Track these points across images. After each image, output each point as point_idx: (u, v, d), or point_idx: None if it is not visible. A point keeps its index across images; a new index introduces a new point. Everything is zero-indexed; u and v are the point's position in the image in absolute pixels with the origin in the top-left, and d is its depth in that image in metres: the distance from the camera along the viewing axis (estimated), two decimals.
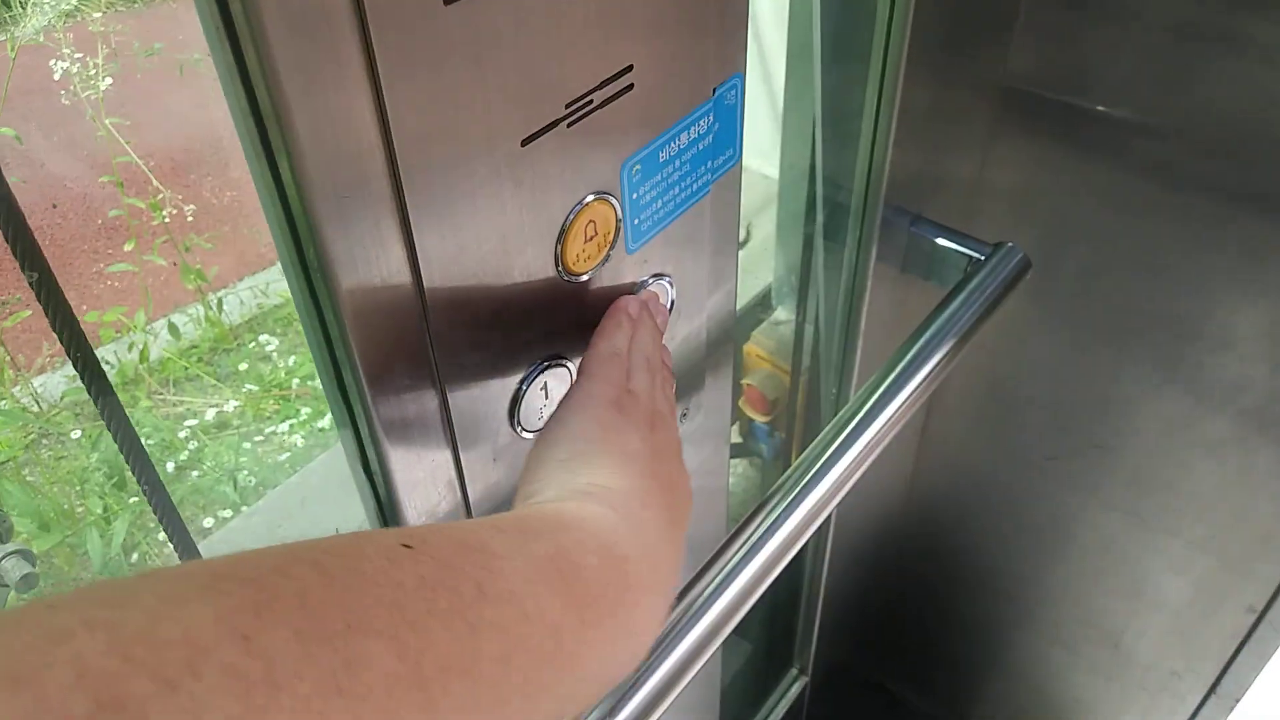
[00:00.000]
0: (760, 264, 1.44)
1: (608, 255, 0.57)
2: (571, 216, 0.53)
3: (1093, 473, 1.35)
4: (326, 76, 0.40)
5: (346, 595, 0.30)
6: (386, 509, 0.57)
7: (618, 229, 0.57)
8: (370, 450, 0.53)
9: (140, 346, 2.77)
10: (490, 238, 0.50)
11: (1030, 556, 1.55)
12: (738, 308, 0.80)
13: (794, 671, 1.61)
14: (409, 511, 0.56)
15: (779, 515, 0.76)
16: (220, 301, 2.90)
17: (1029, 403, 1.35)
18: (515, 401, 0.57)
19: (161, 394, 2.74)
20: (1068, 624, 1.58)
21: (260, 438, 2.38)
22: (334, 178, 0.42)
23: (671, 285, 0.64)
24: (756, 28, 1.14)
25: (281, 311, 2.78)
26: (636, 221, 0.58)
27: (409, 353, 0.50)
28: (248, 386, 2.46)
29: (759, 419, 1.48)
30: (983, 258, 0.94)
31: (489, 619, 0.34)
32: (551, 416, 0.53)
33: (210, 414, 2.45)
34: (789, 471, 0.79)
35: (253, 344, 2.63)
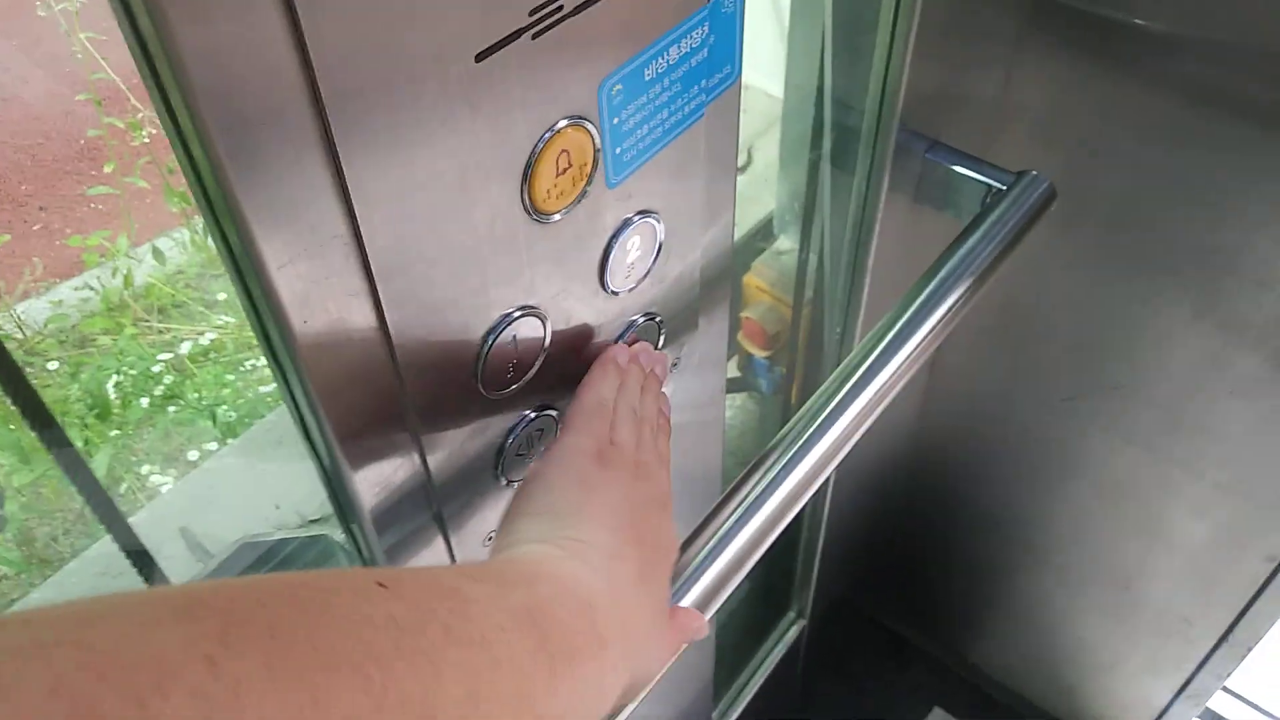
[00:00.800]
0: (762, 190, 1.36)
1: (585, 191, 0.49)
2: (540, 146, 0.45)
3: (1111, 412, 1.29)
4: None
5: (316, 629, 0.30)
6: (334, 480, 0.50)
7: (596, 160, 0.49)
8: (310, 418, 0.46)
9: (124, 272, 2.69)
10: (442, 173, 0.42)
11: (1040, 496, 1.49)
12: (736, 238, 0.73)
13: (791, 615, 1.56)
14: (361, 484, 0.49)
15: (777, 474, 0.69)
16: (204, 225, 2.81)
17: (1047, 337, 1.28)
18: (480, 358, 0.50)
19: (147, 321, 2.66)
20: (1076, 565, 1.52)
21: (243, 369, 2.31)
22: (238, 108, 0.34)
23: (660, 223, 0.57)
24: None
25: None
26: (618, 151, 0.50)
27: (351, 309, 0.43)
28: (223, 318, 2.39)
29: (758, 353, 1.42)
30: (1004, 188, 0.86)
31: (454, 661, 0.34)
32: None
33: (185, 347, 2.37)
34: (787, 427, 0.72)
35: None
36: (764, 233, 1.37)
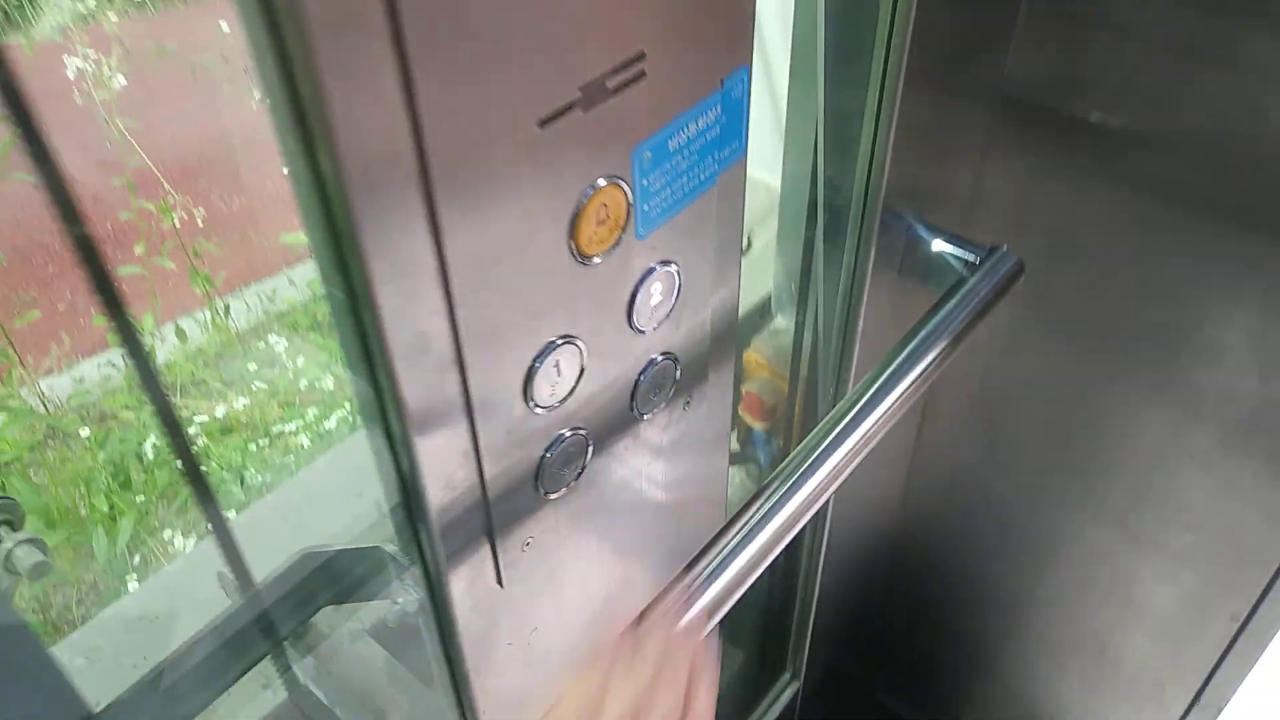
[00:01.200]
0: (761, 272, 1.47)
1: (619, 240, 0.60)
2: (585, 199, 0.56)
3: (1083, 483, 1.38)
4: (360, 63, 0.43)
5: None
6: (407, 477, 0.60)
7: (628, 214, 0.60)
8: (394, 419, 0.56)
9: (148, 350, 2.80)
10: (508, 217, 0.53)
11: (1021, 566, 1.57)
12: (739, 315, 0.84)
13: (786, 676, 1.63)
14: (428, 478, 0.59)
15: (776, 501, 0.79)
16: (227, 307, 2.93)
17: (1023, 412, 1.38)
18: (529, 377, 0.60)
19: (168, 398, 2.76)
20: (1056, 634, 1.60)
21: (264, 440, 2.41)
22: (366, 160, 0.45)
23: (679, 274, 0.67)
24: (762, 38, 1.17)
25: (289, 318, 2.82)
26: (646, 208, 0.61)
27: (433, 324, 0.53)
28: (257, 384, 2.48)
29: (757, 425, 1.51)
30: (977, 260, 0.97)
31: None
32: None
33: (219, 411, 2.47)
34: (788, 460, 0.82)
35: (262, 344, 2.66)
36: (763, 311, 1.49)
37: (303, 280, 2.92)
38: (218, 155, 2.97)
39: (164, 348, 2.89)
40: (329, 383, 2.50)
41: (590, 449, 0.70)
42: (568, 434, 0.67)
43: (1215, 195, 1.04)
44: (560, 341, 0.61)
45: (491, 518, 0.66)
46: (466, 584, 0.69)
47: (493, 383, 0.58)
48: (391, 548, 0.78)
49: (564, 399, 0.64)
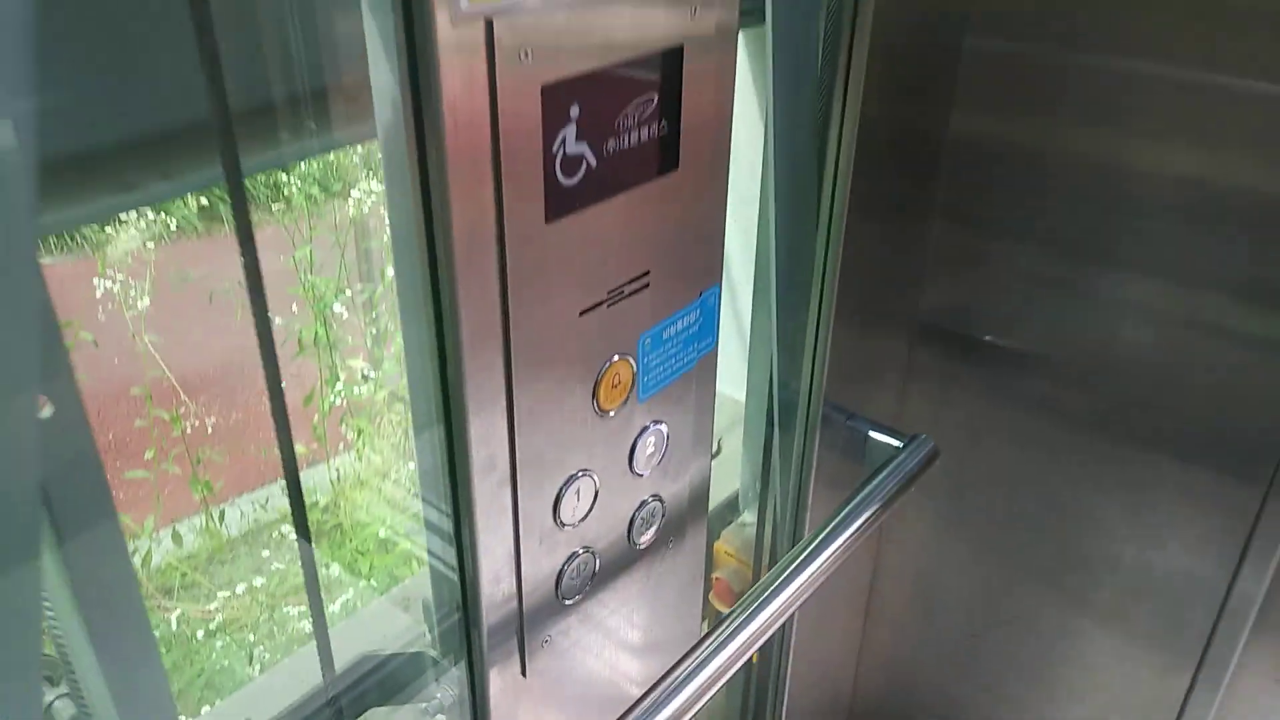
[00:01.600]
0: (730, 473, 1.70)
1: (626, 400, 0.84)
2: (605, 369, 0.80)
3: (1001, 665, 1.57)
4: (481, 281, 0.67)
5: None
6: (468, 572, 0.81)
7: (633, 382, 0.83)
8: (465, 523, 0.77)
9: (143, 552, 2.96)
10: (555, 377, 0.76)
11: None
12: (710, 509, 1.06)
13: None
14: (484, 575, 0.80)
15: (742, 621, 0.99)
16: (222, 514, 3.11)
17: (951, 608, 1.58)
18: (558, 499, 0.82)
19: (157, 599, 2.91)
20: None
21: (265, 632, 2.55)
22: (475, 335, 0.69)
23: (668, 432, 0.91)
24: (731, 280, 1.45)
25: (281, 524, 3.00)
26: (646, 379, 0.85)
27: (498, 454, 0.76)
28: (259, 581, 2.65)
29: (726, 610, 1.69)
30: (903, 445, 1.22)
31: None
32: None
33: (222, 603, 2.62)
34: (750, 591, 1.03)
35: (277, 534, 2.83)
36: (731, 507, 1.71)
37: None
38: (223, 373, 3.22)
39: (159, 550, 3.04)
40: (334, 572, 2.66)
41: (597, 565, 0.91)
42: (581, 551, 0.89)
43: (1083, 406, 1.29)
44: (580, 474, 0.83)
45: (523, 615, 0.86)
46: (499, 672, 0.88)
47: (533, 499, 0.80)
48: (434, 651, 0.96)
49: (581, 520, 0.86)
